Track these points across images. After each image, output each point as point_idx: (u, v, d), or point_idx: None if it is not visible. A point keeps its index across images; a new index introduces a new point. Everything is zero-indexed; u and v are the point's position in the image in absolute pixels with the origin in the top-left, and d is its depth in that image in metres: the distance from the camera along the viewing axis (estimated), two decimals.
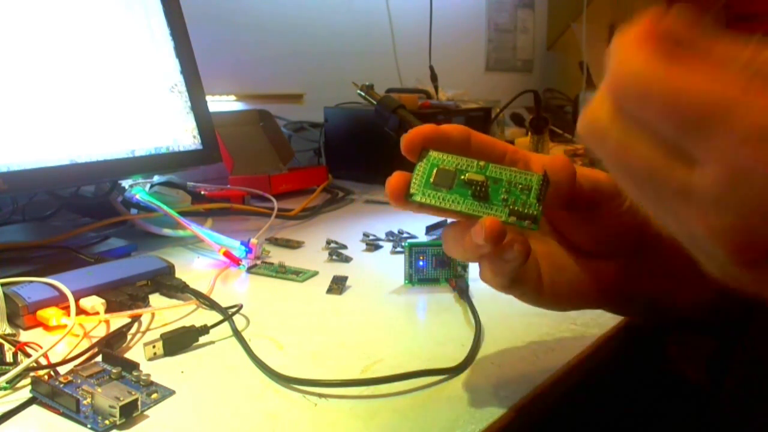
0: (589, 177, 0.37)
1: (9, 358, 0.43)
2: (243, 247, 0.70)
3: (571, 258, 0.40)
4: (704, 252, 0.24)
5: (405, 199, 0.36)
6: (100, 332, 0.51)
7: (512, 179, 0.35)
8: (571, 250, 0.40)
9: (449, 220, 0.38)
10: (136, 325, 0.51)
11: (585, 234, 0.40)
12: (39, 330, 0.51)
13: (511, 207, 0.34)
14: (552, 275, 0.39)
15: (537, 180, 0.34)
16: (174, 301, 0.58)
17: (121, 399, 0.37)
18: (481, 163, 0.35)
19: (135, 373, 0.42)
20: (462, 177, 0.35)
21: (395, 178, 0.36)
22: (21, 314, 0.51)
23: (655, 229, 0.40)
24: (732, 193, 0.21)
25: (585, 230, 0.39)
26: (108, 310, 0.52)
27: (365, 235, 0.80)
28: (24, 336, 0.50)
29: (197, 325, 0.49)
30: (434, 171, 0.35)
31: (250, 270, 0.67)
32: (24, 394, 0.41)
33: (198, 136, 0.80)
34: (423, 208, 0.36)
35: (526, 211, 0.34)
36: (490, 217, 0.33)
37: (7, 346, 0.44)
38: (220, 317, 0.51)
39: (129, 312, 0.52)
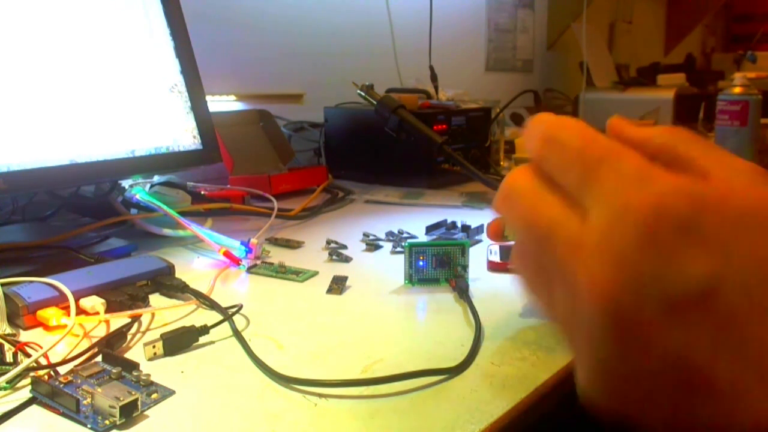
0: None
1: (9, 358, 0.43)
2: (243, 247, 0.70)
3: None
4: (581, 327, 0.25)
5: (503, 239, 0.51)
6: (100, 332, 0.51)
7: None
8: None
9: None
10: (136, 325, 0.51)
11: None
12: (39, 330, 0.51)
13: None
14: None
15: None
16: (174, 301, 0.58)
17: (121, 399, 0.37)
18: None
19: (135, 373, 0.42)
20: None
21: (495, 224, 0.50)
22: (21, 314, 0.51)
23: None
24: (613, 237, 0.23)
25: None
26: (108, 310, 0.52)
27: (365, 235, 0.80)
28: (24, 336, 0.50)
29: (197, 325, 0.49)
30: None
31: (250, 270, 0.67)
32: (24, 394, 0.40)
33: (198, 136, 0.80)
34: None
35: None
36: None
37: (7, 346, 0.44)
38: (220, 317, 0.51)
39: (129, 312, 0.52)
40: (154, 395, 0.40)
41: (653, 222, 0.23)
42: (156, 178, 0.92)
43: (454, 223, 0.81)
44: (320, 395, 0.41)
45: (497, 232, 0.52)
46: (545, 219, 0.27)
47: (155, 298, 0.58)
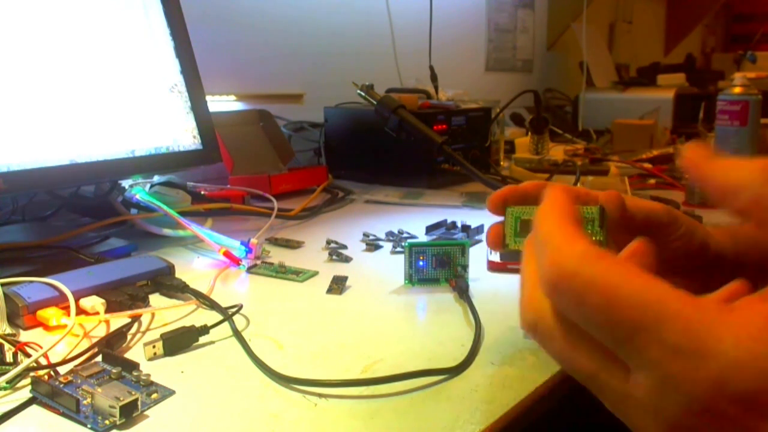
0: (643, 207, 0.43)
1: (9, 358, 0.43)
2: (243, 247, 0.70)
3: None
4: None
5: (503, 247, 0.44)
6: (100, 332, 0.51)
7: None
8: None
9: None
10: (136, 325, 0.51)
11: None
12: (39, 330, 0.51)
13: None
14: None
15: (597, 211, 0.42)
16: (174, 301, 0.58)
17: (121, 399, 0.37)
18: None
19: (135, 373, 0.42)
20: None
21: (493, 230, 0.44)
22: (21, 314, 0.51)
23: (715, 249, 0.46)
24: (663, 401, 0.22)
25: None
26: (108, 310, 0.52)
27: (365, 235, 0.80)
28: (24, 336, 0.50)
29: (197, 325, 0.49)
30: (518, 223, 0.45)
31: (250, 270, 0.67)
32: (24, 394, 0.41)
33: (198, 136, 0.80)
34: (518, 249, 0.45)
35: (593, 238, 0.41)
36: None
37: (7, 346, 0.44)
38: (220, 317, 0.51)
39: (129, 312, 0.52)
40: (154, 395, 0.40)
41: (711, 397, 0.22)
42: (156, 178, 0.92)
43: (454, 223, 0.81)
44: (320, 395, 0.41)
45: (497, 240, 0.46)
46: (585, 369, 0.26)
47: (155, 298, 0.58)
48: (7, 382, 0.41)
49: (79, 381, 0.41)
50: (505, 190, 0.45)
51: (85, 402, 0.38)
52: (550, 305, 0.27)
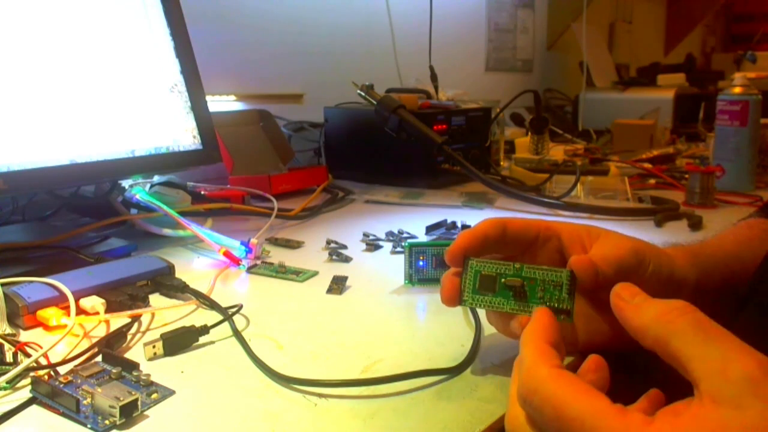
0: (612, 262, 0.43)
1: (9, 358, 0.43)
2: (243, 247, 0.70)
3: (603, 311, 0.43)
4: None
5: (459, 303, 0.43)
6: (100, 332, 0.51)
7: (545, 278, 0.41)
8: (603, 304, 0.43)
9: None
10: (136, 325, 0.51)
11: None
12: (39, 330, 0.51)
13: (547, 304, 0.40)
14: (586, 329, 0.44)
15: (566, 276, 0.40)
16: (174, 301, 0.58)
17: (121, 399, 0.37)
18: (517, 265, 0.41)
19: (135, 373, 0.42)
20: (502, 281, 0.41)
21: (448, 284, 0.43)
22: (21, 314, 0.51)
23: (679, 275, 0.47)
24: None
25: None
26: (108, 310, 0.52)
27: (365, 235, 0.80)
28: (24, 336, 0.50)
29: (197, 325, 0.49)
30: (478, 277, 0.42)
31: (250, 270, 0.67)
32: (24, 394, 0.41)
33: (198, 136, 0.80)
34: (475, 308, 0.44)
35: (560, 306, 0.40)
36: (526, 317, 0.40)
37: (7, 346, 0.44)
38: (220, 317, 0.51)
39: (129, 312, 0.52)
40: (154, 395, 0.40)
41: None
42: (156, 178, 0.92)
43: (454, 223, 0.81)
44: (320, 395, 0.41)
45: (453, 296, 0.43)
46: None
47: (155, 298, 0.58)
48: (7, 382, 0.41)
49: (79, 381, 0.41)
50: (464, 240, 0.43)
51: (85, 402, 0.38)
52: (524, 416, 0.34)
